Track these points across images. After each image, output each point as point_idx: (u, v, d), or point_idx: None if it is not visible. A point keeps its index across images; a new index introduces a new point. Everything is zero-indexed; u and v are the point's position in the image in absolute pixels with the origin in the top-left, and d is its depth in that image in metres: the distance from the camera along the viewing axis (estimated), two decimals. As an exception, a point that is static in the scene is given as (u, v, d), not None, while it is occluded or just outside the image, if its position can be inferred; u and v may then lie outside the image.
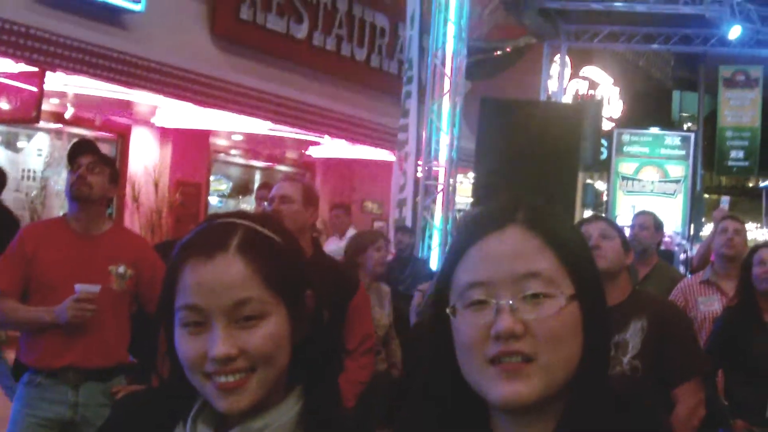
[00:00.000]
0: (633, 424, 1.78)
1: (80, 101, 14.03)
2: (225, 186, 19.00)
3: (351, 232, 12.34)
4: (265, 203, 6.78)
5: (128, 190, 15.20)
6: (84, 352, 5.60)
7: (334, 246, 11.54)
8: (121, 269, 5.72)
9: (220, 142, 17.72)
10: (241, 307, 1.86)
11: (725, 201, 10.50)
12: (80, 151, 5.83)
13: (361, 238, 9.15)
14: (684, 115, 43.25)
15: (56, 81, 12.47)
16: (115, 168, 6.00)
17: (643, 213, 9.26)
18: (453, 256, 1.82)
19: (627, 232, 7.56)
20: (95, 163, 5.74)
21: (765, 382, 6.52)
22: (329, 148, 18.75)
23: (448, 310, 1.78)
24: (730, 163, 26.58)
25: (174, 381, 1.96)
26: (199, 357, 1.85)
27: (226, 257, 1.88)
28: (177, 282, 1.90)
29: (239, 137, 17.74)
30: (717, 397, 6.73)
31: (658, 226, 9.10)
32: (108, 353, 5.73)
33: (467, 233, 1.82)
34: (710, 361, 6.13)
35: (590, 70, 30.04)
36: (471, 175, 16.66)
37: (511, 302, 1.70)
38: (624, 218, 19.08)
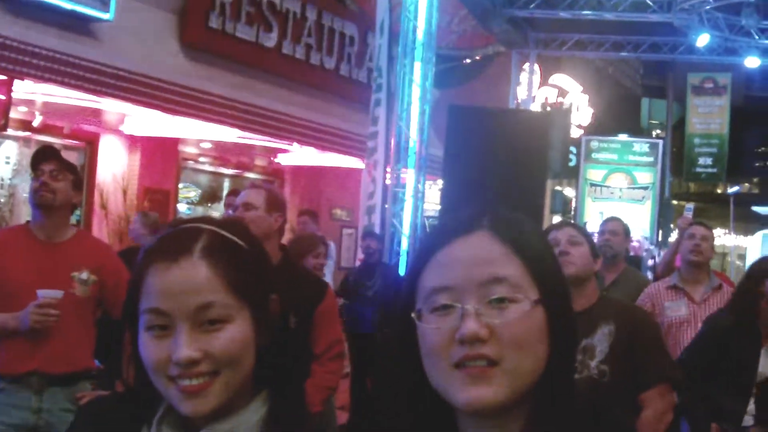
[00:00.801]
0: (600, 428, 1.79)
1: (48, 109, 13.97)
2: (194, 193, 18.93)
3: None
4: (230, 211, 6.80)
5: (96, 197, 15.13)
6: (48, 358, 5.60)
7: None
8: (84, 275, 5.72)
9: (189, 149, 17.66)
10: (204, 311, 1.86)
11: (689, 209, 10.52)
12: (43, 158, 5.82)
13: (300, 244, 9.16)
14: (653, 122, 43.48)
15: (24, 89, 12.42)
16: (78, 174, 5.99)
17: (613, 219, 9.27)
18: (419, 261, 1.82)
19: (595, 239, 7.60)
20: (58, 170, 5.74)
21: (748, 390, 6.54)
22: (298, 155, 18.72)
23: (413, 315, 1.78)
24: (698, 169, 26.78)
25: (138, 385, 1.96)
26: (163, 360, 1.85)
27: (191, 261, 1.89)
28: (141, 286, 1.90)
29: (208, 145, 17.69)
30: (702, 402, 6.73)
31: (627, 232, 9.14)
32: (72, 359, 5.74)
33: (434, 239, 1.83)
34: (689, 361, 6.18)
35: (559, 78, 30.16)
36: (439, 182, 16.69)
37: (476, 307, 1.70)
38: (593, 224, 19.14)
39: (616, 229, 8.84)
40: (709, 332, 6.83)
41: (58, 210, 5.77)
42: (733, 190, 27.01)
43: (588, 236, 5.31)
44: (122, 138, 15.70)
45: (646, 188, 22.42)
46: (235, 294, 1.90)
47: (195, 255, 1.90)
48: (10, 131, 13.03)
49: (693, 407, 6.67)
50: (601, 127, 30.95)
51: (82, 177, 6.40)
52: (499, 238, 1.77)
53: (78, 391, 5.74)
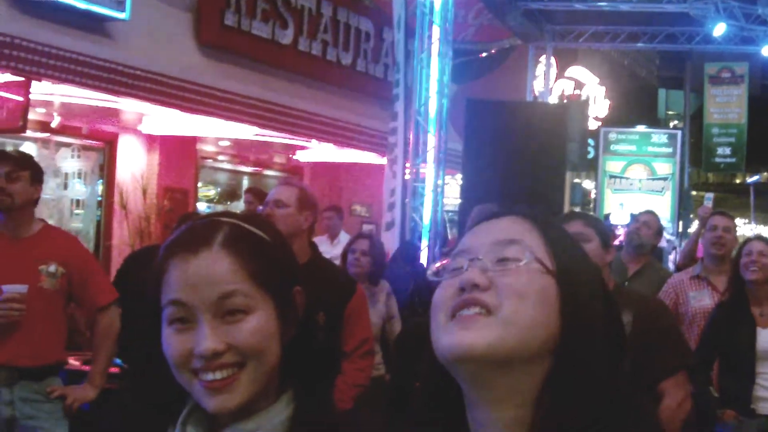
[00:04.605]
0: (626, 417, 1.75)
1: (67, 110, 14.00)
2: (213, 192, 18.97)
3: (343, 235, 12.31)
4: (260, 207, 6.82)
5: (116, 197, 15.16)
6: (16, 352, 5.73)
7: (323, 248, 11.49)
8: (52, 268, 5.85)
9: (207, 148, 17.68)
10: (225, 301, 1.85)
11: (709, 198, 10.50)
12: None
13: None
14: (670, 113, 43.44)
15: (42, 90, 12.44)
16: (36, 166, 6.12)
17: (649, 212, 9.38)
18: (460, 237, 1.89)
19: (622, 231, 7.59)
20: (12, 171, 5.82)
21: (750, 373, 6.62)
22: (316, 152, 18.73)
23: (434, 281, 1.81)
24: (717, 159, 26.59)
25: (164, 384, 1.96)
26: (186, 354, 1.85)
27: (210, 253, 1.88)
28: (162, 281, 1.90)
29: (226, 143, 17.71)
30: (708, 390, 6.79)
31: (659, 230, 9.19)
32: (41, 352, 5.87)
33: (474, 221, 1.89)
34: (695, 355, 6.19)
35: (576, 70, 30.11)
36: (458, 176, 16.67)
37: (481, 259, 1.73)
38: (615, 217, 19.11)
39: (650, 222, 8.94)
40: (709, 323, 7.01)
41: (19, 210, 5.86)
42: (752, 179, 26.93)
43: (598, 227, 5.20)
44: (141, 137, 15.73)
45: (665, 179, 22.35)
46: (258, 284, 1.90)
47: (215, 246, 1.89)
48: (28, 132, 13.06)
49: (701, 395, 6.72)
50: (618, 118, 30.90)
51: (41, 169, 6.43)
52: (528, 220, 1.82)
53: (48, 385, 5.88)
